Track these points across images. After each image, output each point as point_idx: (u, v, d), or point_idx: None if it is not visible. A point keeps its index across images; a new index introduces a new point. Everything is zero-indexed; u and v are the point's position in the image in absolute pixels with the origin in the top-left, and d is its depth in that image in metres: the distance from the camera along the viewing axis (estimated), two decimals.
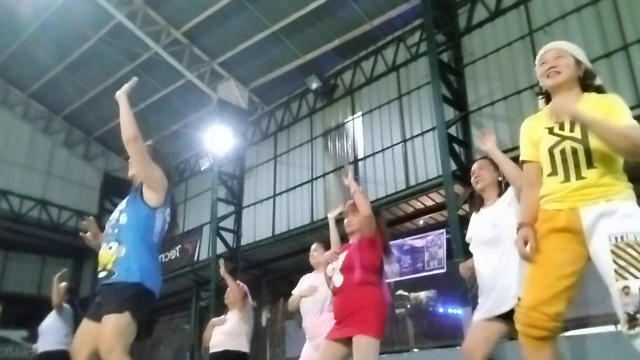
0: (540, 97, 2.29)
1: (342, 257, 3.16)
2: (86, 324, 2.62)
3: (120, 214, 2.66)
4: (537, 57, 2.24)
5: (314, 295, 3.92)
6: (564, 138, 2.03)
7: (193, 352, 12.11)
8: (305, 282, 4.14)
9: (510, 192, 2.80)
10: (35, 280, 15.57)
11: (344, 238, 3.55)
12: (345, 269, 3.08)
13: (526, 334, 1.97)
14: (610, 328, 6.61)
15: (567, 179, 2.02)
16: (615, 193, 1.95)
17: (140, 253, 2.53)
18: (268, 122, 13.19)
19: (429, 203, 9.68)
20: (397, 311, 9.15)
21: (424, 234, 9.00)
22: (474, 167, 3.05)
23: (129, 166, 2.87)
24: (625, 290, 1.80)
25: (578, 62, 2.15)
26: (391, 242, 10.21)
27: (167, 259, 14.18)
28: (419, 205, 9.80)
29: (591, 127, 1.93)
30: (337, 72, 11.75)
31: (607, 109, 2.01)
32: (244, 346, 4.65)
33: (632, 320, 1.79)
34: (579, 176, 1.99)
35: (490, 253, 2.78)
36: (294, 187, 11.85)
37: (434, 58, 8.81)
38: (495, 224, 2.77)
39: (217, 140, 12.26)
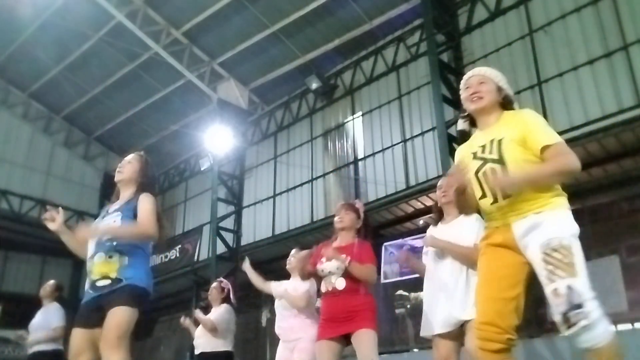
0: (463, 119, 2.42)
1: (338, 261, 3.19)
2: (80, 332, 2.64)
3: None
4: (462, 82, 2.40)
5: (286, 300, 3.95)
6: (485, 161, 2.16)
7: (193, 352, 12.11)
8: (281, 287, 4.13)
9: (475, 217, 2.93)
10: (35, 280, 15.51)
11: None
12: (349, 275, 3.17)
13: (483, 348, 2.03)
14: (610, 328, 6.61)
15: (495, 199, 2.12)
16: (543, 205, 2.05)
17: (142, 261, 2.73)
18: (268, 122, 13.19)
19: (429, 203, 9.66)
20: (397, 311, 9.15)
21: (424, 234, 8.99)
22: (442, 182, 3.18)
23: (118, 171, 2.97)
24: (555, 292, 1.89)
25: (499, 89, 2.30)
26: (391, 242, 10.16)
27: (167, 259, 14.18)
28: (419, 205, 9.80)
29: (530, 183, 2.06)
30: (337, 72, 11.75)
31: (523, 124, 2.14)
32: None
33: (566, 321, 1.85)
34: (504, 195, 2.09)
35: (444, 268, 2.94)
36: (294, 187, 11.85)
37: (434, 58, 8.81)
38: (456, 240, 2.92)
39: (217, 140, 12.26)
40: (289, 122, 12.63)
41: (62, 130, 16.07)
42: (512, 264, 2.07)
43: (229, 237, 12.41)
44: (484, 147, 2.19)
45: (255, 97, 13.23)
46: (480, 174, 2.17)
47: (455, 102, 8.87)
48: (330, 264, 3.20)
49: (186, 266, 13.70)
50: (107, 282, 2.60)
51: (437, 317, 2.92)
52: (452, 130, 8.65)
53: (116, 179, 2.95)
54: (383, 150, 10.27)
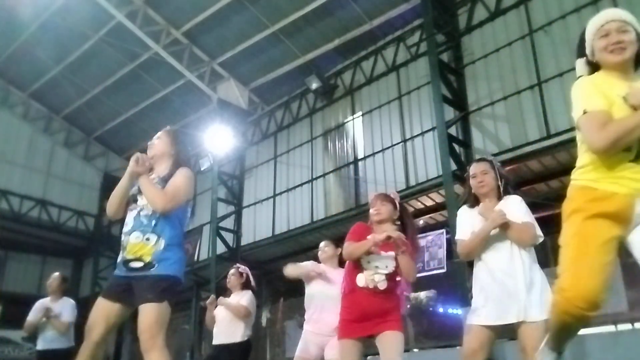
0: (588, 66, 2.06)
1: (391, 258, 3.04)
2: (102, 302, 2.63)
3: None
4: (596, 24, 2.04)
5: (328, 291, 3.76)
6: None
7: (193, 352, 12.11)
8: (319, 279, 3.93)
9: (518, 197, 2.78)
10: (35, 280, 15.53)
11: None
12: (392, 277, 3.03)
13: (567, 321, 1.86)
14: (610, 328, 6.62)
15: (637, 157, 1.82)
16: None
17: (176, 246, 2.67)
18: (268, 122, 13.19)
19: (429, 203, 9.67)
20: None
21: (424, 234, 8.99)
22: (476, 170, 2.93)
23: (150, 148, 2.88)
24: None
25: (639, 38, 1.94)
26: None
27: None
28: (419, 205, 9.79)
29: None
30: (337, 72, 11.75)
31: None
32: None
33: None
34: None
35: (497, 254, 2.71)
36: (294, 187, 11.84)
37: (434, 58, 8.80)
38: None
39: (217, 140, 12.25)
40: (289, 122, 12.63)
41: (62, 130, 16.07)
42: (615, 238, 1.84)
43: (229, 237, 12.40)
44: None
45: (255, 97, 13.22)
46: None
47: (455, 102, 8.89)
48: (382, 261, 3.02)
49: (186, 266, 13.66)
50: (140, 264, 2.57)
51: (488, 307, 2.68)
52: (452, 130, 8.66)
53: (149, 154, 2.83)
54: (383, 150, 10.27)
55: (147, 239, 2.60)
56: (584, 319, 1.79)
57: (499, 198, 2.84)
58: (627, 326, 6.75)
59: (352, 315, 3.03)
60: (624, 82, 1.90)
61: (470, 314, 2.77)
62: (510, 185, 2.91)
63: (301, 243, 11.11)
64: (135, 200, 2.73)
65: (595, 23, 2.03)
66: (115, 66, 13.23)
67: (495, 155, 8.30)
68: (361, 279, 3.02)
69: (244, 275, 4.90)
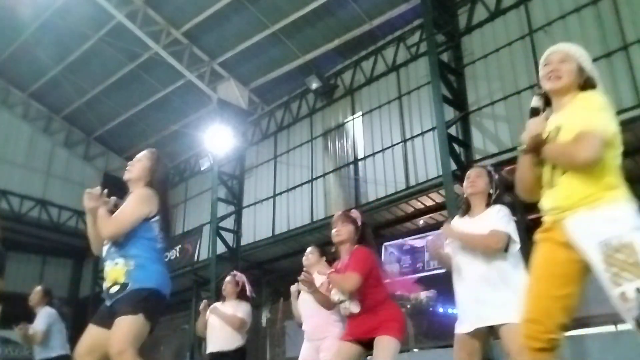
0: (539, 96, 2.23)
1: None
2: (93, 329, 2.63)
3: None
4: (543, 57, 2.18)
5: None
6: None
7: (193, 352, 12.11)
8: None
9: (500, 206, 2.85)
10: (35, 280, 15.46)
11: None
12: (363, 296, 3.07)
13: (526, 346, 1.96)
14: (610, 328, 6.61)
15: (549, 185, 2.01)
16: (596, 199, 1.90)
17: (148, 260, 2.64)
18: (268, 122, 13.19)
19: (429, 203, 9.67)
20: None
21: (424, 234, 9.00)
22: (471, 172, 3.05)
23: (128, 169, 2.89)
24: (623, 296, 1.75)
25: (581, 69, 2.08)
26: (391, 242, 10.14)
27: (167, 259, 14.14)
28: (419, 205, 9.80)
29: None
30: (337, 72, 11.75)
31: (574, 111, 2.00)
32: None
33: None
34: (556, 183, 1.98)
35: (471, 262, 2.79)
36: (294, 187, 11.84)
37: (434, 58, 8.81)
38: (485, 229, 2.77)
39: (217, 140, 12.25)
40: (289, 122, 12.63)
41: (62, 130, 16.07)
42: (567, 261, 1.93)
43: (229, 237, 12.40)
44: (548, 134, 2.03)
45: (255, 97, 13.22)
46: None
47: (455, 102, 8.89)
48: (334, 295, 3.13)
49: (186, 266, 13.70)
50: (117, 287, 2.58)
51: (466, 315, 2.78)
52: (452, 130, 8.66)
53: (125, 177, 2.86)
54: (383, 150, 10.27)
55: (116, 264, 2.62)
56: (539, 339, 1.91)
57: (488, 205, 2.91)
58: (627, 326, 6.73)
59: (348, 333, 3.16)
60: (555, 115, 2.08)
61: (456, 324, 2.87)
62: (503, 197, 2.97)
63: (301, 243, 11.10)
64: None
65: (544, 55, 2.17)
66: (115, 66, 13.23)
67: (495, 155, 8.32)
68: (341, 311, 3.22)
69: (240, 283, 4.82)
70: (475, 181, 2.96)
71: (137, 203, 2.69)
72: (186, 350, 12.53)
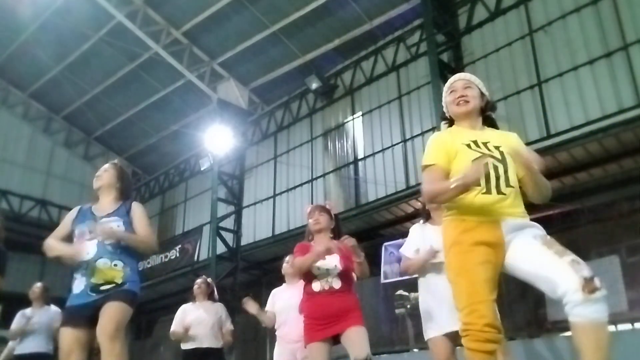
0: (444, 122, 2.49)
1: (337, 259, 3.20)
2: (70, 332, 2.72)
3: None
4: (446, 86, 2.42)
5: (291, 301, 3.93)
6: (485, 155, 2.17)
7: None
8: (281, 296, 4.18)
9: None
10: (35, 280, 15.33)
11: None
12: (344, 274, 3.21)
13: (482, 350, 1.99)
14: (610, 328, 6.60)
15: (488, 191, 2.13)
16: (524, 213, 2.16)
17: (137, 269, 2.95)
18: (268, 122, 13.19)
19: None
20: (397, 311, 9.13)
21: None
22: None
23: (96, 179, 3.13)
24: (575, 260, 1.90)
25: (482, 94, 2.36)
26: (391, 242, 10.10)
27: (167, 259, 14.18)
28: (419, 205, 9.75)
29: (530, 172, 2.15)
30: (337, 72, 11.75)
31: (517, 143, 2.27)
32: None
33: (589, 284, 1.82)
34: (499, 191, 2.13)
35: (435, 269, 3.02)
36: (294, 187, 11.84)
37: (434, 58, 8.81)
38: None
39: (217, 140, 12.26)
40: (289, 122, 12.63)
41: (62, 130, 16.08)
42: (495, 264, 2.08)
43: (229, 237, 12.40)
44: (475, 142, 2.22)
45: (255, 97, 13.23)
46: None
47: None
48: (328, 262, 3.19)
49: (186, 266, 13.69)
50: (110, 286, 2.78)
51: (438, 318, 2.94)
52: None
53: (95, 185, 3.12)
54: (383, 150, 10.27)
55: (115, 265, 2.82)
56: (496, 341, 2.01)
57: None
58: (627, 326, 6.75)
59: (314, 319, 3.17)
60: (471, 131, 2.30)
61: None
62: None
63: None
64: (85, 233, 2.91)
65: (447, 84, 2.43)
66: (115, 66, 13.23)
67: None
68: (316, 285, 3.21)
69: (211, 285, 5.24)
70: None
71: (147, 215, 3.07)
72: None
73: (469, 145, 2.22)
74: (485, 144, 2.22)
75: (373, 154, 10.45)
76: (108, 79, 13.62)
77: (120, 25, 11.70)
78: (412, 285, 9.67)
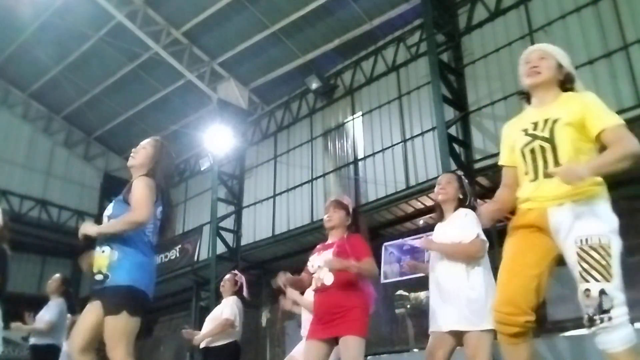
0: (521, 97, 2.33)
1: (328, 254, 3.07)
2: (88, 308, 2.65)
3: (109, 220, 2.73)
4: (522, 57, 2.28)
5: (305, 300, 3.94)
6: (535, 138, 2.08)
7: (193, 352, 12.10)
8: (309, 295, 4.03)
9: (465, 210, 2.98)
10: (35, 280, 15.52)
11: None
12: (340, 270, 3.02)
13: (501, 332, 2.01)
14: None
15: (535, 177, 2.07)
16: (581, 193, 1.96)
17: (130, 255, 2.58)
18: (268, 122, 13.19)
19: (429, 203, 9.65)
20: (397, 311, 9.16)
21: (424, 234, 9.00)
22: (442, 179, 3.22)
23: (131, 156, 2.84)
24: (587, 292, 1.86)
25: (560, 66, 2.21)
26: (391, 242, 10.11)
27: (167, 259, 14.17)
28: (419, 205, 9.80)
29: (597, 174, 1.95)
30: (337, 72, 11.75)
31: (583, 107, 2.04)
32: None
33: (591, 321, 1.87)
34: (546, 174, 2.03)
35: (439, 266, 2.93)
36: (294, 187, 11.84)
37: (434, 58, 8.80)
38: (458, 238, 2.90)
39: (217, 140, 12.26)
40: (289, 122, 12.63)
41: (62, 130, 16.06)
42: (541, 244, 2.02)
43: (229, 237, 12.40)
44: (536, 124, 2.11)
45: (255, 97, 13.23)
46: (526, 150, 2.11)
47: (455, 102, 8.89)
48: (318, 258, 3.10)
49: (186, 266, 13.69)
50: (100, 277, 2.58)
51: (437, 317, 2.91)
52: (452, 130, 8.66)
53: (129, 164, 2.80)
54: (383, 150, 10.27)
55: (103, 251, 2.61)
56: (509, 323, 1.97)
57: (457, 208, 3.06)
58: None
59: (314, 316, 3.11)
60: (536, 110, 2.17)
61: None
62: (472, 203, 3.10)
63: (301, 243, 11.10)
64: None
65: (523, 55, 2.31)
66: (115, 66, 13.23)
67: (495, 155, 8.30)
68: (312, 284, 3.15)
69: (239, 283, 4.96)
70: (445, 188, 3.11)
71: (147, 189, 2.62)
72: (186, 350, 12.52)
73: (525, 131, 2.14)
74: (545, 121, 2.08)
75: (373, 154, 10.45)
76: (108, 79, 13.61)
77: (120, 25, 11.69)
78: (412, 285, 9.70)
